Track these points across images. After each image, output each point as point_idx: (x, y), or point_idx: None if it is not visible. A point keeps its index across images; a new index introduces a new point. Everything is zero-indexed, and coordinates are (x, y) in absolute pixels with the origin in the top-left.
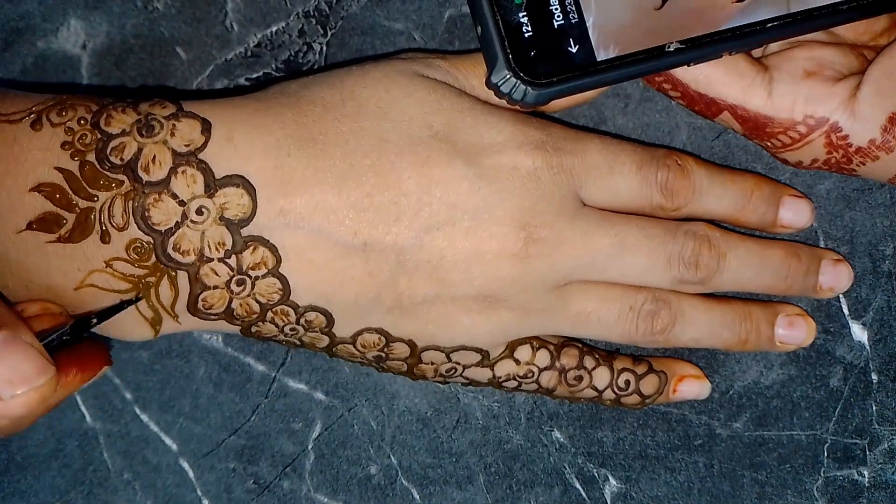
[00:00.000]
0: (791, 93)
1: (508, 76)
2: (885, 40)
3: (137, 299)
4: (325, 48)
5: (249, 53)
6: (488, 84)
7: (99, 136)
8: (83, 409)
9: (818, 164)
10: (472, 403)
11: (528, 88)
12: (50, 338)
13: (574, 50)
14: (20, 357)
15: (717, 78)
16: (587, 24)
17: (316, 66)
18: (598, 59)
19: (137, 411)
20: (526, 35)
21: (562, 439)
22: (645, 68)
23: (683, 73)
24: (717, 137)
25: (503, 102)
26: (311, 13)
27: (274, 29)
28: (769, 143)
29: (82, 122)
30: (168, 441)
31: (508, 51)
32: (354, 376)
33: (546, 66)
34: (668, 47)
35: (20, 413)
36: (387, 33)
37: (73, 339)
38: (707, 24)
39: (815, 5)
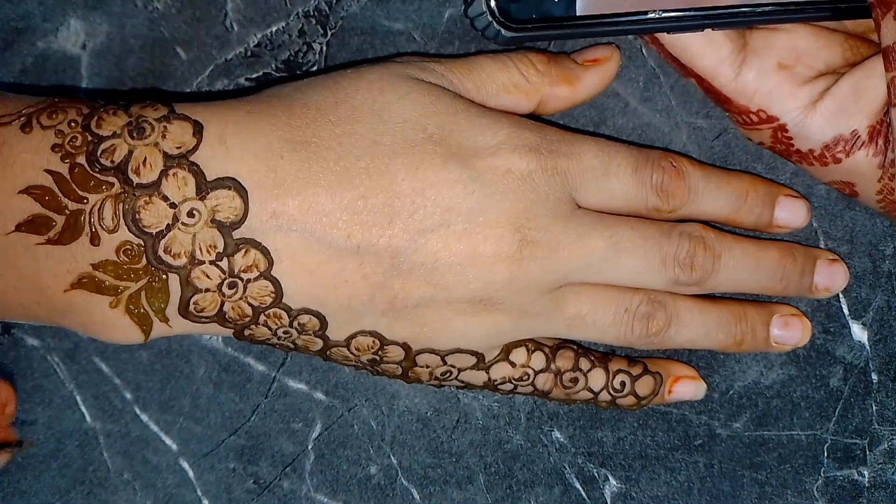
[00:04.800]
0: (755, 83)
1: (484, 12)
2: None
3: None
4: (325, 48)
5: (249, 53)
6: (465, 15)
7: (90, 138)
8: (83, 409)
9: (765, 146)
10: (472, 403)
11: (502, 30)
12: None
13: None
14: None
15: (693, 47)
16: None
17: (316, 67)
18: (578, 14)
19: (137, 411)
20: None
21: (562, 439)
22: (623, 30)
23: (663, 34)
24: (717, 137)
25: (499, 103)
26: (311, 13)
27: (274, 29)
28: (728, 114)
29: (73, 124)
30: (168, 441)
31: None
32: (354, 376)
33: (524, 11)
34: (651, 14)
35: None
36: (387, 33)
37: None
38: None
39: None
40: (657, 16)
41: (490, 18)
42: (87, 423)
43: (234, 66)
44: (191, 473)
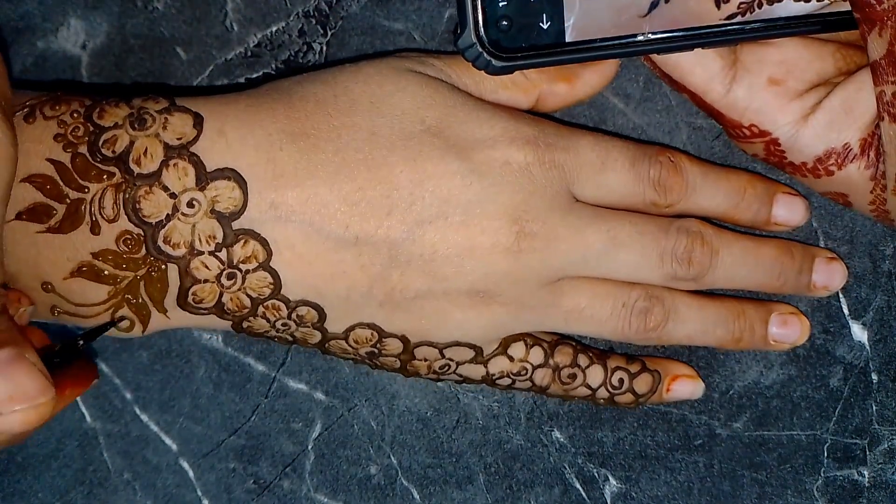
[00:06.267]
0: (746, 99)
1: (474, 44)
2: None
3: (121, 319)
4: (325, 48)
5: (249, 53)
6: (455, 45)
7: (91, 128)
8: (83, 409)
9: (759, 158)
10: (472, 403)
11: (492, 60)
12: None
13: (545, 27)
14: (24, 376)
15: (683, 64)
16: (563, 4)
17: (316, 67)
18: (568, 41)
19: (137, 411)
20: (500, 4)
21: (562, 439)
22: (613, 54)
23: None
24: (717, 137)
25: (497, 100)
26: (311, 13)
27: (274, 29)
28: (722, 127)
29: (75, 115)
30: (168, 441)
31: (479, 19)
32: (354, 376)
33: (513, 41)
34: (639, 37)
35: (17, 429)
36: (387, 33)
37: (63, 361)
38: None
39: (797, 13)
40: (646, 38)
41: (480, 49)
42: (87, 423)
43: (234, 66)
44: (191, 473)
